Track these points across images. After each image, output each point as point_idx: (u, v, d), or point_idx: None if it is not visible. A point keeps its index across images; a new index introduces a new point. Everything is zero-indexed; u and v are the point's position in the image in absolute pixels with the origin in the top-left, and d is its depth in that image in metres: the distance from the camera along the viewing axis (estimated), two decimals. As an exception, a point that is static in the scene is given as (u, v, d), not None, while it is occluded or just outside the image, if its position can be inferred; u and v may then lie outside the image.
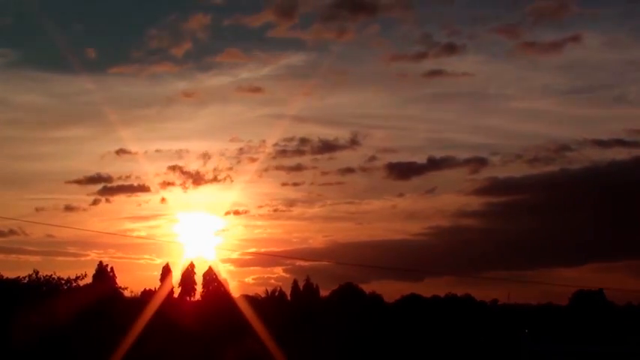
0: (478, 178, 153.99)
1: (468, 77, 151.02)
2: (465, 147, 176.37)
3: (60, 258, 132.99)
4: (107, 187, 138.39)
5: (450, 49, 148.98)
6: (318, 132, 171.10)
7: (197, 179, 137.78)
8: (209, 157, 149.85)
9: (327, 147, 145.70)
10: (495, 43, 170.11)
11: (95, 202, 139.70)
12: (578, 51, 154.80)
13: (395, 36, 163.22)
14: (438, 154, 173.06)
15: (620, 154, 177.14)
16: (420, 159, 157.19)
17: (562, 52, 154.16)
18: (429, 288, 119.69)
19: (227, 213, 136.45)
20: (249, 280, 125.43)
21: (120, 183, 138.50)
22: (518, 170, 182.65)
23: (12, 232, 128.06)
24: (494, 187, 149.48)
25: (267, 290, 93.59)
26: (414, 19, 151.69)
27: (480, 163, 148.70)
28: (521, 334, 75.86)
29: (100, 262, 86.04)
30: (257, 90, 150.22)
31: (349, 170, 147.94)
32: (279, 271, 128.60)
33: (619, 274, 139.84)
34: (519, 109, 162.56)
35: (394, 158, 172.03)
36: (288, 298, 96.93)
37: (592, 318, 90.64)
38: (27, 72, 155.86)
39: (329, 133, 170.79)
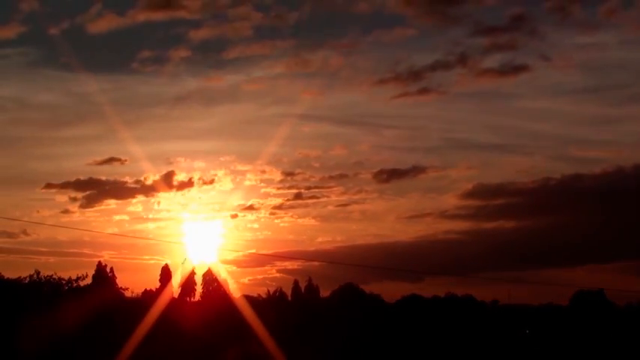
0: (476, 180, 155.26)
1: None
2: (461, 149, 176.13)
3: (71, 259, 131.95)
4: (112, 187, 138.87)
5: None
6: (317, 134, 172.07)
7: (197, 181, 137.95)
8: (208, 159, 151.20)
9: (325, 149, 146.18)
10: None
11: (101, 203, 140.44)
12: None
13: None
14: (442, 156, 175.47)
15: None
16: (420, 160, 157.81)
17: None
18: (430, 288, 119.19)
19: (227, 214, 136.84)
20: (245, 280, 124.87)
21: (128, 184, 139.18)
22: (516, 173, 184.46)
23: (24, 232, 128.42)
24: (495, 188, 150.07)
25: (268, 291, 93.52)
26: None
27: (475, 165, 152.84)
28: (522, 334, 75.84)
29: (99, 263, 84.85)
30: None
31: (346, 172, 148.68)
32: (278, 272, 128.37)
33: (619, 274, 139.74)
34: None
35: (394, 160, 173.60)
36: (289, 298, 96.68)
37: (592, 318, 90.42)
38: (46, 71, 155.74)
39: (327, 134, 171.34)
